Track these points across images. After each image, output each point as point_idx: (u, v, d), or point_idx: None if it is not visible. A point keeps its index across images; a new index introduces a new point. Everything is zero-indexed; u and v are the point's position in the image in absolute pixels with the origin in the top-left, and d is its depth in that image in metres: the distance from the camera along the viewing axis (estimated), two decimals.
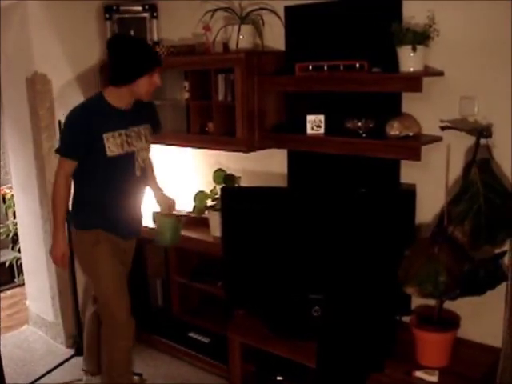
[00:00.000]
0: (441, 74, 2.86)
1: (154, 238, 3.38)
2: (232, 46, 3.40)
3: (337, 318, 3.06)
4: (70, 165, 2.99)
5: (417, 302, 3.02)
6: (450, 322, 2.86)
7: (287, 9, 3.38)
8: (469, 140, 2.79)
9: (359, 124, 2.99)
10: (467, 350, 2.93)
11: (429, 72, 2.86)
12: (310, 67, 3.11)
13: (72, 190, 3.10)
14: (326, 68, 3.06)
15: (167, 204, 3.34)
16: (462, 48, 2.79)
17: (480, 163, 2.66)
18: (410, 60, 2.79)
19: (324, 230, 3.10)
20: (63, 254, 3.10)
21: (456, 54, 2.81)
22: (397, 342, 2.98)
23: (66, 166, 3.00)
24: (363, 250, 3.04)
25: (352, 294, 3.07)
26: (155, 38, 4.00)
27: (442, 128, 2.81)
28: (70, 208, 3.16)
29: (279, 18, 3.38)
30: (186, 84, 3.61)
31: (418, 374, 2.74)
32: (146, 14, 4.00)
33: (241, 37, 3.35)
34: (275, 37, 3.45)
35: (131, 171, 3.08)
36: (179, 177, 4.15)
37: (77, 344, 3.94)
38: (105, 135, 2.94)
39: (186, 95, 3.62)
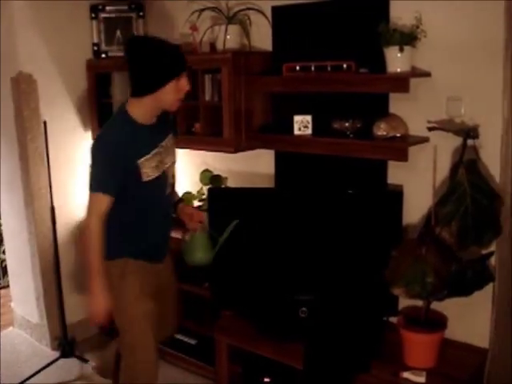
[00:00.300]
0: (428, 74, 2.86)
1: (184, 257, 2.91)
2: (219, 46, 3.38)
3: (324, 319, 3.06)
4: (105, 202, 2.55)
5: (404, 302, 3.01)
6: (438, 322, 2.85)
7: (274, 9, 3.37)
8: (456, 141, 2.79)
9: (346, 125, 2.98)
10: (454, 351, 2.92)
11: (416, 73, 2.86)
12: (298, 68, 3.10)
13: None
14: (313, 68, 3.06)
15: (192, 216, 2.89)
16: (448, 49, 2.79)
17: (467, 164, 2.66)
18: (397, 61, 2.79)
19: (311, 231, 3.10)
20: (104, 310, 2.61)
21: (443, 54, 2.82)
22: (384, 343, 2.98)
23: (102, 203, 2.54)
24: (351, 250, 3.03)
25: (339, 294, 3.07)
26: None
27: (429, 129, 2.81)
28: None
29: (266, 18, 3.38)
30: None
31: (405, 374, 2.73)
32: (132, 14, 3.99)
33: (228, 37, 3.34)
34: (262, 37, 3.44)
35: (163, 190, 2.74)
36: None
37: (62, 346, 3.91)
38: (139, 161, 2.56)
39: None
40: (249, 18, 3.42)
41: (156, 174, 2.62)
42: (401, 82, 2.77)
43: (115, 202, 2.57)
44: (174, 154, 2.79)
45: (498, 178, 2.76)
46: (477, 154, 2.74)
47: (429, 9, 2.80)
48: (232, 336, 3.31)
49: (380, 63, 2.86)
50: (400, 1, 2.90)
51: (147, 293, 2.74)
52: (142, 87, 2.53)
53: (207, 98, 3.43)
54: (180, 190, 3.76)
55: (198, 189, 3.64)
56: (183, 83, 2.58)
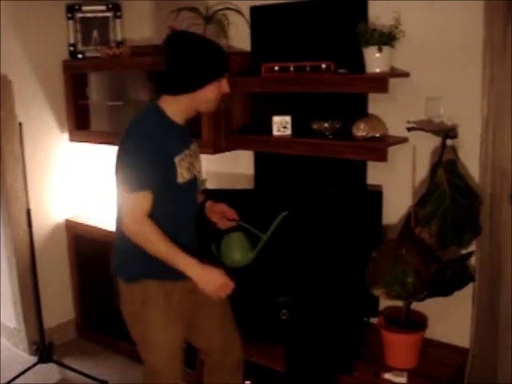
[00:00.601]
0: (406, 74, 2.85)
1: (222, 260, 2.61)
2: None
3: (305, 321, 3.04)
4: (148, 200, 2.28)
5: (384, 303, 3.01)
6: (418, 322, 2.86)
7: (253, 9, 3.35)
8: (435, 141, 2.79)
9: (326, 125, 2.97)
10: (435, 351, 2.93)
11: (395, 73, 2.85)
12: (276, 68, 3.09)
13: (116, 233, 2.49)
14: (292, 69, 3.04)
15: (224, 214, 2.63)
16: (427, 49, 2.79)
17: (446, 164, 2.67)
18: (376, 61, 2.79)
19: (291, 233, 3.08)
20: (223, 280, 2.37)
21: (422, 54, 2.82)
22: (365, 344, 2.98)
23: (145, 203, 2.28)
24: (331, 251, 3.02)
25: (320, 296, 3.05)
26: (119, 38, 3.95)
27: (409, 129, 2.81)
28: (116, 257, 2.57)
29: (245, 18, 3.36)
30: (150, 85, 3.54)
31: (387, 375, 2.73)
32: (109, 14, 3.95)
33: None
34: (241, 37, 3.42)
35: (194, 198, 2.53)
36: None
37: (40, 351, 3.85)
38: (176, 158, 2.34)
39: (150, 96, 3.54)
40: (227, 18, 3.40)
41: (189, 177, 2.41)
42: (380, 83, 2.76)
43: None
44: (200, 162, 2.58)
45: (477, 178, 2.77)
46: (456, 154, 2.75)
47: (407, 9, 2.80)
48: None
49: (359, 63, 2.85)
50: (378, 1, 2.90)
51: (177, 317, 2.47)
52: (181, 85, 2.33)
53: None
54: None
55: None
56: (224, 85, 2.40)
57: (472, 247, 2.77)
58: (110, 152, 4.09)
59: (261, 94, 3.32)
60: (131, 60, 3.59)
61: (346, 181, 3.15)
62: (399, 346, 2.82)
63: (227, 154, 3.42)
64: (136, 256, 2.37)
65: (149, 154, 2.27)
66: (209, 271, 2.34)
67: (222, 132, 3.29)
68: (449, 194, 2.64)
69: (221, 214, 2.64)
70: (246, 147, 3.34)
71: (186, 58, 2.31)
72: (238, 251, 2.57)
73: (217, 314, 2.65)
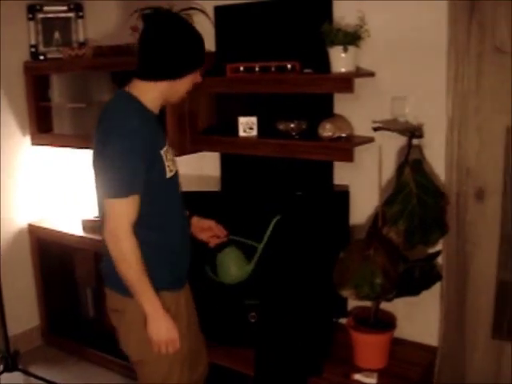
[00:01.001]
0: (372, 74, 2.85)
1: (221, 280, 2.63)
2: None
3: (274, 323, 3.02)
4: (135, 206, 2.11)
5: (353, 303, 3.00)
6: (387, 322, 2.86)
7: (217, 9, 3.32)
8: (400, 140, 2.79)
9: (292, 126, 2.95)
10: (405, 350, 2.93)
11: (360, 73, 2.84)
12: (242, 68, 3.06)
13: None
14: (257, 69, 3.02)
15: (211, 231, 2.54)
16: (392, 48, 2.79)
17: (412, 164, 2.67)
18: (341, 61, 2.77)
19: (259, 234, 3.05)
20: (174, 335, 2.20)
21: (387, 54, 2.82)
22: (334, 345, 2.96)
23: (131, 208, 2.10)
24: (299, 252, 3.00)
25: (288, 298, 3.03)
26: (81, 39, 3.89)
27: (374, 129, 2.81)
28: (105, 264, 2.32)
29: (209, 18, 3.32)
30: (114, 86, 3.48)
31: (357, 376, 2.72)
32: (71, 14, 3.89)
33: None
34: (205, 37, 3.26)
35: (180, 193, 2.39)
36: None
37: (5, 360, 3.76)
38: (162, 151, 2.20)
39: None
40: (191, 18, 3.35)
41: (175, 170, 2.28)
42: (345, 83, 2.75)
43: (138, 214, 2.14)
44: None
45: (443, 177, 2.78)
46: (422, 154, 2.75)
47: (372, 8, 2.79)
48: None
49: (324, 63, 2.84)
50: (343, 1, 2.89)
51: (188, 325, 2.35)
52: (165, 70, 2.16)
53: None
54: None
55: None
56: (198, 77, 2.29)
57: (439, 246, 2.77)
58: (73, 155, 4.04)
59: (226, 94, 3.29)
60: (94, 61, 3.53)
61: (313, 181, 3.13)
62: (368, 347, 2.82)
63: (193, 155, 3.38)
64: (149, 266, 2.16)
65: (138, 153, 2.08)
66: (167, 321, 2.18)
67: (187, 133, 3.24)
68: (415, 194, 2.64)
69: (209, 232, 2.54)
70: (211, 149, 3.30)
71: (176, 40, 2.15)
72: (234, 267, 2.55)
73: (198, 329, 2.59)
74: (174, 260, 2.31)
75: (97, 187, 2.24)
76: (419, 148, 2.74)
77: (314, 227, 2.97)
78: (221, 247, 2.56)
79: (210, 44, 3.37)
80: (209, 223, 2.55)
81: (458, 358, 2.92)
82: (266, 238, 2.59)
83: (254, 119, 3.08)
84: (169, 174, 2.22)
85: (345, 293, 2.64)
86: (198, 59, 2.25)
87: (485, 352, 2.87)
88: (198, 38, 2.25)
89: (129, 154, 2.08)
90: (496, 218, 2.76)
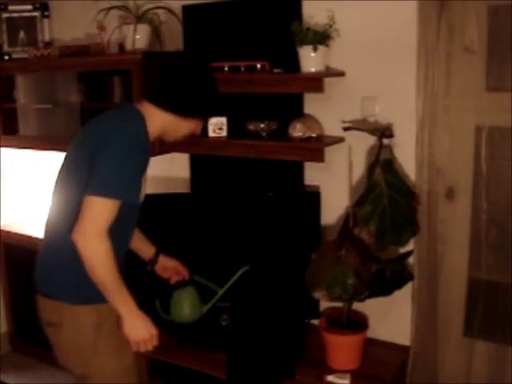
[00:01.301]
0: (342, 74, 2.84)
1: (170, 318, 2.57)
2: (128, 46, 3.25)
3: (245, 326, 2.99)
4: (115, 212, 2.02)
5: (325, 303, 2.97)
6: (359, 323, 2.85)
7: (185, 8, 3.28)
8: (371, 140, 2.79)
9: (262, 126, 2.93)
10: (377, 350, 2.93)
11: (330, 72, 2.83)
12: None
13: (57, 245, 2.19)
14: (226, 69, 2.98)
15: (177, 270, 2.58)
16: (362, 48, 2.79)
17: (383, 163, 2.66)
18: (311, 60, 2.76)
19: (230, 237, 3.03)
20: (154, 330, 2.18)
21: (357, 54, 2.81)
22: (307, 346, 2.94)
23: (111, 212, 2.01)
24: (271, 254, 2.98)
25: (260, 300, 3.01)
26: (47, 39, 3.80)
27: (345, 129, 2.79)
28: (51, 273, 2.23)
29: (177, 17, 3.28)
30: (80, 87, 3.43)
31: (330, 378, 2.71)
32: (36, 13, 3.80)
33: (137, 37, 3.22)
34: (173, 37, 3.34)
35: (135, 223, 2.34)
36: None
37: None
38: (146, 173, 2.18)
39: (80, 98, 3.44)
40: (159, 18, 3.32)
41: (143, 198, 2.22)
42: (315, 82, 2.74)
43: None
44: None
45: (413, 177, 2.78)
46: (392, 153, 2.74)
47: (341, 8, 2.78)
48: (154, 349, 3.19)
49: (294, 63, 2.82)
50: (312, 0, 2.87)
51: (126, 341, 2.20)
52: (178, 104, 2.19)
53: (117, 100, 3.29)
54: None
55: None
56: (200, 126, 2.33)
57: (410, 246, 2.77)
58: (40, 157, 3.96)
59: None
60: (60, 61, 3.45)
61: (283, 182, 3.11)
62: (341, 348, 2.81)
63: (162, 157, 3.32)
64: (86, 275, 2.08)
65: (137, 162, 2.06)
66: (143, 319, 2.15)
67: None
68: (386, 194, 2.63)
69: (174, 271, 2.56)
70: (180, 150, 3.26)
71: (199, 84, 2.23)
72: (188, 308, 2.51)
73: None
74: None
75: (67, 183, 2.16)
76: (390, 148, 2.74)
77: (285, 228, 2.95)
78: (179, 285, 2.55)
79: (178, 44, 3.34)
80: (174, 264, 2.57)
81: (431, 357, 2.93)
82: (228, 284, 2.60)
83: (223, 119, 3.05)
84: (140, 198, 2.18)
85: (317, 294, 2.63)
86: (209, 108, 2.32)
87: (457, 350, 2.88)
88: (216, 92, 2.30)
89: (133, 163, 2.05)
90: (466, 216, 2.77)
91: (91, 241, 1.99)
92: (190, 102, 2.21)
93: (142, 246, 2.55)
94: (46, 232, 2.28)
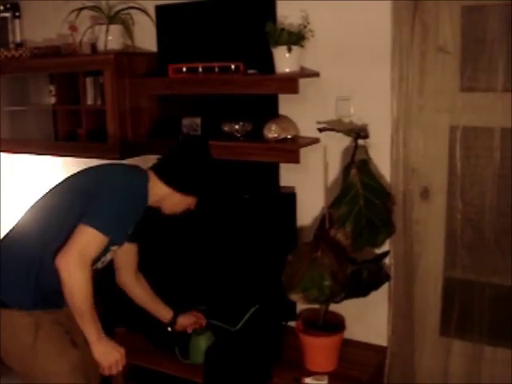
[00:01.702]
0: (316, 74, 2.83)
1: (190, 361, 2.82)
2: (100, 47, 3.22)
3: (222, 329, 2.96)
4: (102, 247, 2.17)
5: (302, 305, 2.98)
6: (336, 324, 2.83)
7: (158, 8, 3.25)
8: (346, 141, 2.78)
9: (236, 127, 2.91)
10: (355, 351, 2.92)
11: (305, 73, 2.82)
12: (184, 69, 3.01)
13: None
14: (200, 70, 2.96)
15: (197, 319, 2.81)
16: (337, 48, 2.78)
17: (359, 164, 2.65)
18: (285, 61, 2.75)
19: (206, 239, 3.00)
20: (119, 356, 2.25)
21: (331, 54, 2.80)
22: (284, 349, 2.92)
23: (99, 247, 2.16)
24: (247, 257, 2.96)
25: (236, 302, 2.98)
26: (18, 40, 3.75)
27: (320, 130, 2.78)
28: None
29: (150, 17, 3.25)
30: (52, 88, 3.39)
31: (307, 380, 2.68)
32: (7, 14, 3.77)
33: (109, 37, 3.19)
34: (146, 37, 3.31)
35: None
36: (46, 188, 3.86)
37: None
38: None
39: (53, 100, 3.40)
40: (131, 18, 3.28)
41: (102, 262, 2.34)
42: (290, 83, 2.72)
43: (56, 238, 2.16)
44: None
45: (388, 177, 2.78)
46: (367, 154, 2.74)
47: (316, 8, 2.77)
48: (128, 354, 3.14)
49: (269, 64, 2.80)
50: (286, 0, 2.85)
51: (68, 340, 2.33)
52: (178, 181, 2.36)
53: (89, 102, 3.26)
54: None
55: None
56: (194, 202, 2.47)
57: (386, 247, 2.77)
58: (12, 161, 3.90)
59: (169, 95, 3.21)
60: (31, 62, 3.41)
61: (259, 183, 3.09)
62: (318, 350, 2.79)
63: (136, 158, 3.28)
64: (37, 284, 2.21)
65: (133, 212, 2.25)
66: (111, 343, 2.25)
67: (129, 136, 3.16)
68: (362, 195, 2.63)
69: (195, 322, 2.79)
70: (154, 151, 3.20)
71: (196, 165, 2.42)
72: (204, 351, 2.74)
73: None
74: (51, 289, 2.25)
75: (54, 205, 2.29)
76: (365, 148, 2.73)
77: (261, 230, 2.92)
78: (196, 331, 2.80)
79: (151, 44, 3.31)
80: (191, 320, 2.78)
81: (408, 357, 2.92)
82: (240, 324, 2.81)
83: (197, 120, 3.03)
84: (102, 259, 2.31)
85: (294, 297, 2.61)
86: (205, 189, 2.46)
87: (433, 350, 2.88)
88: (214, 174, 2.49)
89: (130, 212, 2.23)
90: (441, 216, 2.79)
91: (76, 268, 2.08)
92: (189, 180, 2.39)
93: (159, 309, 2.72)
94: (5, 240, 2.33)
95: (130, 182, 2.27)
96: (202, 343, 2.77)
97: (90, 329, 2.17)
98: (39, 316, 2.25)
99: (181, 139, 2.71)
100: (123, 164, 2.48)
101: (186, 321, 2.76)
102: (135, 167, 2.42)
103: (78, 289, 2.10)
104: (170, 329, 2.75)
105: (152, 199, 2.33)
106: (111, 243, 2.22)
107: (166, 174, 2.36)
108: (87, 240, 2.11)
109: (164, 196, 2.36)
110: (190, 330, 2.78)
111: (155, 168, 2.39)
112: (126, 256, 2.53)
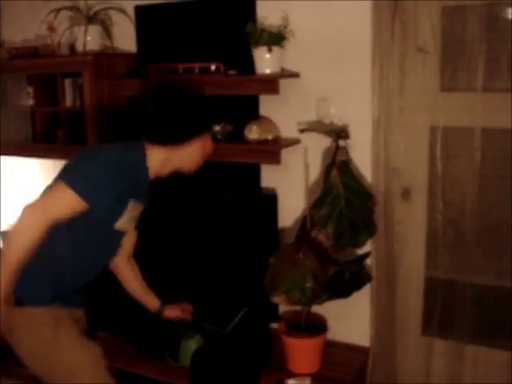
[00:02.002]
0: (297, 75, 2.82)
1: (179, 362, 2.82)
2: (79, 47, 3.19)
3: (207, 333, 2.94)
4: (70, 208, 2.03)
5: (284, 307, 2.96)
6: (318, 325, 2.83)
7: (138, 8, 3.22)
8: (327, 142, 2.78)
9: (217, 128, 2.89)
10: (338, 352, 2.92)
11: (285, 74, 2.81)
12: (164, 70, 2.97)
13: None
14: (180, 70, 2.94)
15: (177, 316, 2.71)
16: (317, 49, 2.77)
17: (339, 165, 2.65)
18: (266, 62, 2.74)
19: (188, 242, 2.98)
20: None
21: (311, 54, 2.79)
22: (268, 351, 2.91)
23: (66, 205, 2.03)
24: (229, 259, 2.94)
25: (220, 305, 2.96)
26: None
27: (301, 130, 2.77)
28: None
29: (129, 18, 3.22)
30: (30, 89, 3.34)
31: (290, 382, 2.67)
32: None
33: (88, 38, 3.16)
34: (126, 38, 3.28)
35: (113, 253, 2.41)
36: (24, 192, 3.83)
37: None
38: (129, 204, 2.19)
39: (31, 101, 3.35)
40: (110, 18, 3.25)
41: (123, 228, 2.26)
42: (270, 84, 2.72)
43: (62, 236, 2.10)
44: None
45: (369, 178, 2.77)
46: (348, 155, 2.73)
47: (296, 8, 2.77)
48: (111, 358, 3.10)
49: (249, 64, 2.79)
50: (266, 0, 2.84)
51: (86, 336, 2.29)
52: (170, 134, 2.18)
53: (68, 103, 3.22)
54: None
55: None
56: (209, 143, 2.29)
57: (368, 247, 2.77)
58: None
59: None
60: (9, 63, 3.37)
61: (240, 185, 3.07)
62: (301, 351, 2.78)
63: None
64: (51, 277, 2.16)
65: (117, 180, 2.09)
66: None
67: (108, 137, 3.13)
68: (343, 196, 2.62)
69: (179, 315, 2.70)
70: None
71: (177, 106, 2.19)
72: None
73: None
74: (67, 285, 2.25)
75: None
76: (346, 149, 2.72)
77: (242, 231, 2.91)
78: (186, 329, 2.82)
79: (131, 45, 3.28)
80: (177, 312, 2.70)
81: (390, 358, 2.93)
82: (231, 326, 2.79)
83: None
84: (117, 227, 2.21)
85: (276, 299, 2.60)
86: (201, 122, 2.24)
87: (415, 350, 2.89)
88: (199, 103, 2.25)
89: (109, 175, 2.07)
90: (422, 216, 2.79)
91: (31, 220, 1.99)
92: (180, 125, 2.19)
93: (147, 298, 2.63)
94: None
95: (118, 154, 2.14)
96: (193, 346, 2.76)
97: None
98: (58, 311, 2.19)
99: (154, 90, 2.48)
100: (119, 142, 2.30)
101: (172, 313, 2.67)
102: (131, 143, 2.24)
103: (17, 241, 2.00)
104: (156, 317, 2.68)
105: (156, 169, 2.23)
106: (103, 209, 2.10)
107: (159, 135, 2.19)
108: (55, 195, 2.04)
109: (169, 158, 2.22)
110: (179, 324, 2.73)
111: (147, 137, 2.21)
112: (124, 239, 2.42)
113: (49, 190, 2.09)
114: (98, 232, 2.19)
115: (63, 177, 2.07)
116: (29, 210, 2.00)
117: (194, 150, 2.23)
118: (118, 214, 2.18)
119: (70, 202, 2.02)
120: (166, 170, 2.27)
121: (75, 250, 2.18)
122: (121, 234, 2.32)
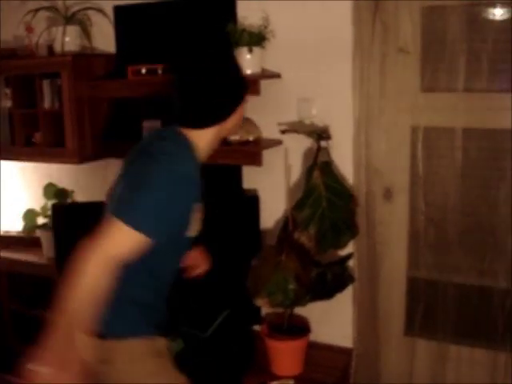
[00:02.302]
0: (278, 76, 2.80)
1: None
2: (57, 48, 3.14)
3: (190, 337, 2.91)
4: (135, 246, 1.73)
5: (267, 309, 2.94)
6: (301, 327, 2.82)
7: (117, 9, 3.19)
8: (308, 142, 2.77)
9: None
10: (321, 354, 2.91)
11: (266, 74, 2.79)
12: (143, 70, 2.95)
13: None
14: (160, 71, 2.91)
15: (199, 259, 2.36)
16: (298, 49, 2.76)
17: (321, 166, 2.63)
18: (246, 62, 2.71)
19: None
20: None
21: (292, 55, 2.78)
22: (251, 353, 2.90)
23: (129, 246, 1.72)
24: (210, 261, 2.91)
25: (203, 309, 2.94)
26: None
27: (282, 131, 2.75)
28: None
29: (108, 18, 3.19)
30: (8, 91, 3.30)
31: None
32: None
33: (66, 39, 3.11)
34: (105, 38, 3.25)
35: (182, 257, 2.12)
36: (3, 194, 3.78)
37: None
38: (196, 206, 1.92)
39: (9, 103, 3.31)
40: (89, 19, 3.21)
41: (196, 229, 1.99)
42: (251, 85, 2.68)
43: (141, 263, 1.80)
44: None
45: (351, 179, 2.77)
46: (329, 156, 2.72)
47: (276, 9, 2.75)
48: None
49: None
50: (246, 1, 2.83)
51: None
52: (214, 115, 1.90)
53: (46, 105, 3.17)
54: (22, 206, 3.49)
55: (42, 204, 3.37)
56: (242, 107, 2.00)
57: (350, 248, 2.75)
58: None
59: (129, 97, 3.15)
60: None
61: (221, 186, 3.05)
62: (284, 353, 2.77)
63: (97, 163, 3.23)
64: (138, 308, 1.94)
65: (178, 200, 1.81)
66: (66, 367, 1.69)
67: (89, 140, 3.10)
68: (325, 197, 2.61)
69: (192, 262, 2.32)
70: (115, 155, 3.13)
71: (220, 81, 1.89)
72: None
73: None
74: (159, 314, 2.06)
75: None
76: (327, 150, 2.71)
77: (224, 233, 2.88)
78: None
79: (109, 45, 3.24)
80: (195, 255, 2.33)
81: (373, 358, 2.93)
82: (212, 329, 2.74)
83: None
84: (190, 234, 1.96)
85: (259, 302, 2.58)
86: (242, 89, 1.97)
87: (398, 350, 2.89)
88: (235, 68, 1.97)
89: (170, 198, 1.79)
90: (404, 216, 2.79)
91: (93, 263, 1.69)
92: (224, 102, 1.91)
93: None
94: None
95: (172, 165, 1.83)
96: (173, 350, 2.60)
97: (54, 336, 1.71)
98: (155, 340, 1.98)
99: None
100: (167, 140, 1.95)
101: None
102: (178, 139, 1.93)
103: (80, 286, 1.68)
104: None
105: (205, 152, 1.98)
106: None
107: (202, 118, 1.91)
108: (115, 236, 1.74)
109: (219, 133, 1.96)
110: (189, 274, 2.34)
111: (187, 124, 1.93)
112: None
113: (107, 227, 1.75)
114: (173, 248, 1.97)
115: (118, 208, 1.79)
116: (90, 258, 1.69)
117: (240, 112, 1.98)
118: (187, 224, 1.92)
119: (130, 240, 1.74)
120: (214, 147, 2.01)
121: (158, 272, 1.98)
122: (191, 238, 2.05)
